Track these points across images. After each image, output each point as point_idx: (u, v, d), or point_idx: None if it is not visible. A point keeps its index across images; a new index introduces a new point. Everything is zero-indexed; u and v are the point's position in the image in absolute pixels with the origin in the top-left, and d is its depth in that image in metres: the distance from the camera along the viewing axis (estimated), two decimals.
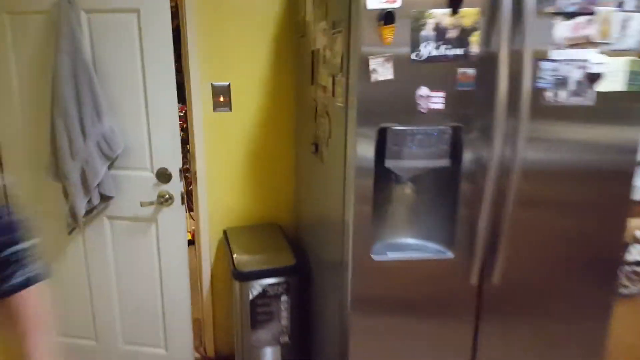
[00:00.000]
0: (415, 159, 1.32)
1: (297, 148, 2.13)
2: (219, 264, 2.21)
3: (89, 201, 1.77)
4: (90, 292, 1.98)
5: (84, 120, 1.70)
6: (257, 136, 2.12)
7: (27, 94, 1.77)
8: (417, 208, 1.44)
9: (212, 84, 2.02)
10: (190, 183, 2.21)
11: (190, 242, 3.30)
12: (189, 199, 2.82)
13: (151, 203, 1.80)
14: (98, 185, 1.77)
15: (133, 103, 1.75)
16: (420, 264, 1.38)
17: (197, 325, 2.43)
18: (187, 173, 2.42)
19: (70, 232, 1.86)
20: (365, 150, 1.30)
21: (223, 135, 2.08)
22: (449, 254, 1.38)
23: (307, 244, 1.98)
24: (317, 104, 1.66)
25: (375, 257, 1.35)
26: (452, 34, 1.29)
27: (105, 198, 1.81)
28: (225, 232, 2.12)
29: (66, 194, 1.78)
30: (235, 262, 1.80)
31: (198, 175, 2.06)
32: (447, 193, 1.39)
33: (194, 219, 2.20)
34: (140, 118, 1.76)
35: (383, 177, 1.36)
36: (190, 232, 3.41)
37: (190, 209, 3.24)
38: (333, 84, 1.45)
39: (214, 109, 2.05)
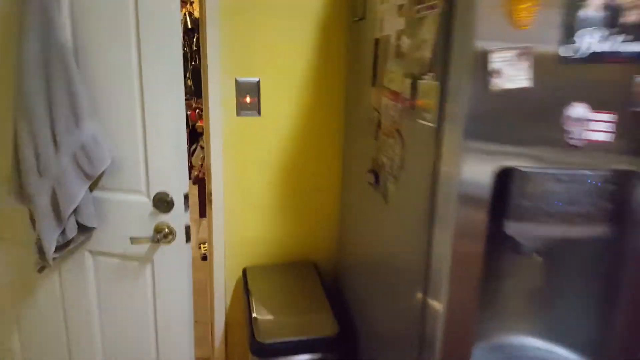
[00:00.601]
0: (555, 222, 0.79)
1: (345, 170, 1.61)
2: (236, 309, 1.73)
3: (63, 233, 1.32)
4: (68, 342, 1.54)
5: (56, 125, 1.24)
6: (293, 150, 1.62)
7: None
8: (544, 293, 0.91)
9: (236, 79, 1.53)
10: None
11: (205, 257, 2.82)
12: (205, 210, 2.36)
13: (145, 240, 1.33)
14: (75, 212, 1.31)
15: (125, 104, 1.28)
16: None
17: None
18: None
19: (39, 271, 1.41)
20: (470, 204, 0.78)
21: (248, 147, 1.59)
22: None
23: (353, 297, 1.47)
24: (381, 116, 1.14)
25: None
26: (631, 16, 0.77)
27: (85, 229, 1.36)
28: (245, 272, 1.64)
29: (34, 221, 1.33)
30: (255, 327, 1.31)
31: (214, 197, 1.59)
32: (598, 273, 0.86)
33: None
34: (134, 124, 1.29)
35: (493, 242, 0.84)
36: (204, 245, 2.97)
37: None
38: (413, 88, 0.93)
39: (238, 113, 1.56)
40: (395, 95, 1.03)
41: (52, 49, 1.20)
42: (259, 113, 1.57)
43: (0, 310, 1.53)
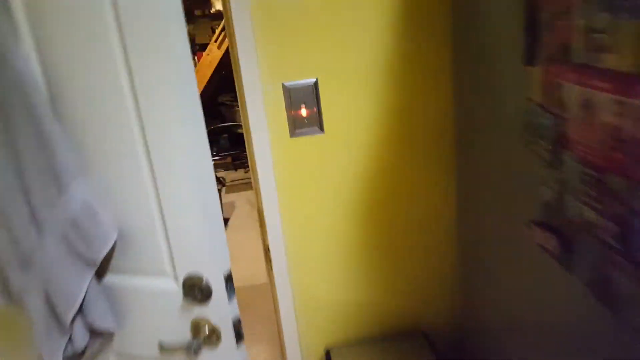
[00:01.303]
0: None
1: (462, 205, 1.08)
2: None
3: (70, 340, 0.92)
4: None
5: (32, 195, 0.84)
6: (377, 178, 1.12)
7: None
8: None
9: (283, 84, 1.05)
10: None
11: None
12: None
13: (179, 350, 0.90)
14: (81, 312, 0.91)
15: (124, 150, 0.84)
16: None
17: None
18: None
19: None
20: None
21: (312, 180, 1.11)
22: None
23: None
24: (569, 124, 0.60)
25: None
26: None
27: (99, 334, 0.95)
28: (328, 355, 1.17)
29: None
30: None
31: (274, 253, 1.13)
32: None
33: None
34: (140, 178, 0.85)
35: None
36: None
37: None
38: None
39: (292, 133, 1.09)
40: (626, 80, 0.48)
41: (7, 77, 0.80)
42: (322, 129, 1.09)
43: None
